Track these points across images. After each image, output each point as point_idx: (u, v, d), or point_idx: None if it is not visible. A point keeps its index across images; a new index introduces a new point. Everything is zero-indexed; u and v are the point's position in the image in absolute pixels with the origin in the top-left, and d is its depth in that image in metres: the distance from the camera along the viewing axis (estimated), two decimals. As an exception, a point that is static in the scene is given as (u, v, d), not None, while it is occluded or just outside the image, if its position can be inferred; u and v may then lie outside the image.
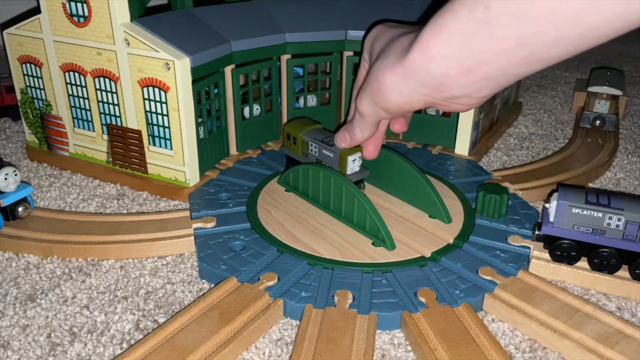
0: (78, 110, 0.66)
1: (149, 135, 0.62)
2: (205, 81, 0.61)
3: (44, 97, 0.67)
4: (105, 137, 0.65)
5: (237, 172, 0.66)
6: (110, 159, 0.66)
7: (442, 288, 0.47)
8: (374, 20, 0.55)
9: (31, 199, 0.57)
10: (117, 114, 0.63)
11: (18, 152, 0.74)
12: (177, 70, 0.56)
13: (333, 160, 0.57)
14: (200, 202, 0.59)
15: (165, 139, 0.61)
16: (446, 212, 0.56)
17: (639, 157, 0.77)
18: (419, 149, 0.72)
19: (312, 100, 0.75)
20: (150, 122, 0.61)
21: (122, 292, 0.49)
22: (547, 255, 0.51)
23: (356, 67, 0.68)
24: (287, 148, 0.64)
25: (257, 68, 0.68)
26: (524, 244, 0.53)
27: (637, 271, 0.48)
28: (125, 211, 0.61)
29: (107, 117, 0.64)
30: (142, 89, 0.59)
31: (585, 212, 0.48)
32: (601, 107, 0.82)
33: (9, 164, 0.55)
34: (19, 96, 0.70)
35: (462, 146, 0.71)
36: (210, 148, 0.65)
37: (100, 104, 0.64)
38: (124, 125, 0.63)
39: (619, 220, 0.48)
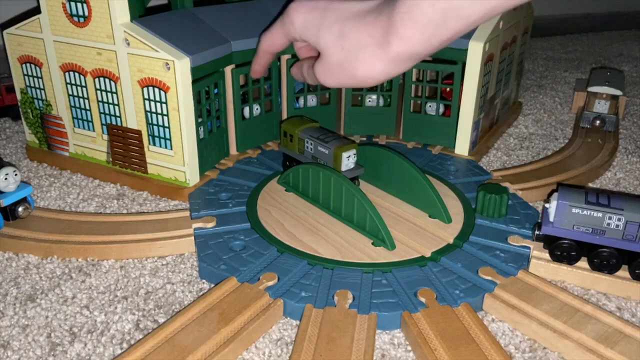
0: (78, 110, 0.66)
1: (149, 135, 0.62)
2: (205, 81, 0.61)
3: (44, 97, 0.67)
4: (105, 137, 0.65)
5: (237, 172, 0.66)
6: (110, 159, 0.66)
7: (442, 288, 0.47)
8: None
9: (31, 199, 0.57)
10: (117, 114, 0.63)
11: (18, 152, 0.74)
12: (177, 70, 0.56)
13: (328, 157, 0.58)
14: (200, 202, 0.59)
15: (165, 139, 0.61)
16: (446, 212, 0.56)
17: (639, 157, 0.77)
18: (419, 149, 0.72)
19: (312, 100, 0.75)
20: (150, 122, 0.61)
21: (122, 292, 0.49)
22: (547, 255, 0.51)
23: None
24: (284, 145, 0.64)
25: (257, 68, 0.68)
26: (523, 244, 0.53)
27: (637, 271, 0.48)
28: (125, 211, 0.61)
29: (107, 117, 0.64)
30: (142, 89, 0.59)
31: (585, 212, 0.48)
32: (601, 107, 0.82)
33: (9, 164, 0.55)
34: (19, 96, 0.70)
35: (462, 146, 0.71)
36: (210, 148, 0.65)
37: (100, 104, 0.64)
38: (124, 125, 0.63)
39: (618, 220, 0.48)
